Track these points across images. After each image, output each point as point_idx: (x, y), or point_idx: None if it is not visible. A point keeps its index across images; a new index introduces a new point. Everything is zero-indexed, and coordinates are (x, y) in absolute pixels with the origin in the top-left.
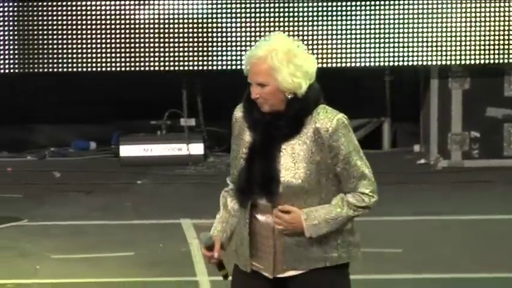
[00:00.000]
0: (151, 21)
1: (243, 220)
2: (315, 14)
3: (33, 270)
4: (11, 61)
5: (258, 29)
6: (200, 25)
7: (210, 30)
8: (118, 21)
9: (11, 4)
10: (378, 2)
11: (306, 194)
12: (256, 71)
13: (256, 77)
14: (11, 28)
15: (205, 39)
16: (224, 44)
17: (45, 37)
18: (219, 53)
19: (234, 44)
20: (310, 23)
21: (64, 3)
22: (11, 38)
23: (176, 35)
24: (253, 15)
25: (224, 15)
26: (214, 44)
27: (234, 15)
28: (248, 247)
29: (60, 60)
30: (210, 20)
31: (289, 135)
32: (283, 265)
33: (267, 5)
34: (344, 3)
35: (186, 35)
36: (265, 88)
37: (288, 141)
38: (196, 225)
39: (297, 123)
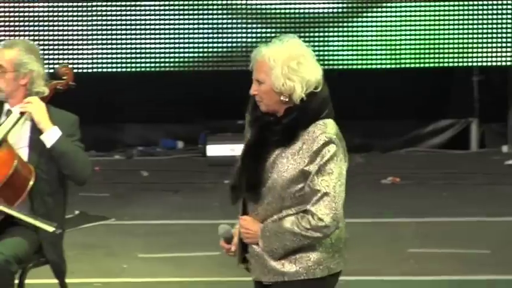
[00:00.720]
0: (239, 21)
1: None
2: (403, 14)
3: (120, 269)
4: (100, 60)
5: (348, 29)
6: (303, 24)
7: (311, 30)
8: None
9: (99, 4)
10: (465, 2)
11: (283, 201)
12: (257, 68)
13: (255, 74)
14: (98, 28)
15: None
16: (322, 43)
17: (135, 36)
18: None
19: (332, 43)
20: (398, 23)
21: (152, 2)
22: (99, 37)
23: (269, 35)
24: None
25: (326, 15)
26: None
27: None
28: (239, 245)
29: (149, 60)
30: (317, 20)
31: (280, 143)
32: (254, 272)
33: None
34: (432, 4)
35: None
36: (262, 86)
37: (279, 147)
38: None
39: (289, 133)
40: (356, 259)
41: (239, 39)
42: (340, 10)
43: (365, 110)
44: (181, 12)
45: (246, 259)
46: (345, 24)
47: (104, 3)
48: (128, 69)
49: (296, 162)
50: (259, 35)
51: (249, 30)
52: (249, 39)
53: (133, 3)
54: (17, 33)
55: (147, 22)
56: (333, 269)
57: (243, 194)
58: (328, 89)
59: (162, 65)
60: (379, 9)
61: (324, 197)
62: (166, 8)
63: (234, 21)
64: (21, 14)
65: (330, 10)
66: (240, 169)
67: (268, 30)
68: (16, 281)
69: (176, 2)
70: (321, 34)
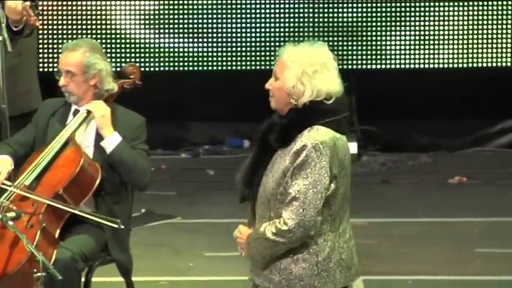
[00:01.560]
0: (306, 19)
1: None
2: (471, 13)
3: (186, 267)
4: (167, 59)
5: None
6: (356, 26)
7: (366, 29)
8: (278, 20)
9: (166, 2)
10: None
11: (268, 202)
12: (278, 64)
13: (275, 68)
14: (165, 26)
15: (358, 39)
16: (379, 43)
17: (202, 35)
18: (373, 52)
19: (391, 44)
20: (465, 22)
21: (219, 1)
22: (168, 36)
23: (331, 34)
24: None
25: (387, 18)
26: (369, 43)
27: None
28: None
29: (216, 59)
30: (369, 22)
31: (277, 142)
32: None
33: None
34: (495, 3)
35: (342, 34)
36: (276, 82)
37: (279, 150)
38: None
39: (284, 133)
40: (423, 259)
41: (306, 39)
42: (412, 8)
43: (432, 109)
44: (248, 11)
45: None
46: (413, 23)
47: (171, 2)
48: (196, 68)
49: (284, 164)
50: (325, 33)
51: (316, 30)
52: (316, 39)
53: (200, 1)
54: (84, 31)
55: (214, 21)
56: (316, 287)
57: (241, 189)
58: (344, 104)
59: (229, 63)
60: (450, 8)
61: (293, 201)
62: (233, 7)
63: (301, 20)
64: (88, 11)
65: (401, 9)
66: (245, 167)
67: (335, 30)
68: (82, 279)
69: (243, 1)
70: (388, 33)
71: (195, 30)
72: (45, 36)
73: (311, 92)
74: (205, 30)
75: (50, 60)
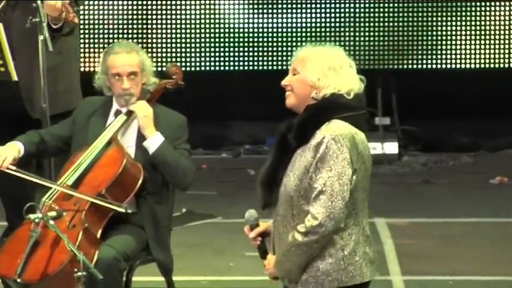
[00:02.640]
0: (347, 19)
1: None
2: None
3: (226, 267)
4: (208, 59)
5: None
6: (397, 26)
7: (407, 29)
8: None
9: (207, 2)
10: None
11: (291, 200)
12: (296, 61)
13: (292, 65)
14: (207, 26)
15: (399, 39)
16: (420, 43)
17: (244, 35)
18: (414, 53)
19: (432, 44)
20: (504, 22)
21: (261, 1)
22: (209, 36)
23: (372, 34)
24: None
25: (428, 18)
26: (409, 43)
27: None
28: (272, 245)
29: (257, 58)
30: (410, 23)
31: (296, 140)
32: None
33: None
34: None
35: (383, 34)
36: (296, 75)
37: (298, 148)
38: (390, 225)
39: (302, 129)
40: (463, 259)
41: (347, 38)
42: (453, 8)
43: (474, 109)
44: (289, 12)
45: (265, 252)
46: (454, 23)
47: (212, 2)
48: (237, 68)
49: (305, 160)
50: (366, 33)
51: (357, 30)
52: (357, 38)
53: (241, 1)
54: (125, 30)
55: (255, 21)
56: (344, 281)
57: (260, 193)
58: (362, 102)
59: (270, 63)
60: (492, 7)
61: (320, 195)
62: (275, 7)
63: (342, 20)
64: (130, 12)
65: (442, 9)
66: (265, 169)
67: (377, 30)
68: (123, 278)
69: (284, 1)
70: (429, 34)
71: (236, 30)
72: (89, 35)
73: (334, 86)
74: (246, 30)
75: (92, 59)
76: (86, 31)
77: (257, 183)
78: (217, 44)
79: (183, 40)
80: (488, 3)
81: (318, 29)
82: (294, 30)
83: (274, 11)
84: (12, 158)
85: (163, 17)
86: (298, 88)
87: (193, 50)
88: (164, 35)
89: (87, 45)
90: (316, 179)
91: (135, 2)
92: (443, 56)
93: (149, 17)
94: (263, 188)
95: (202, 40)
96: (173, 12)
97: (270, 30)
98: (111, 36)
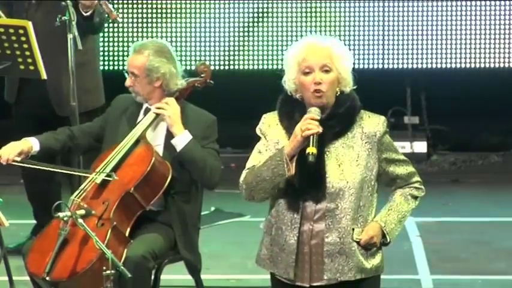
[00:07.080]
0: (376, 18)
1: (290, 226)
2: None
3: (254, 266)
4: (237, 57)
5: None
6: (426, 25)
7: (436, 28)
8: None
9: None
10: None
11: (350, 196)
12: (321, 56)
13: (321, 60)
14: (235, 24)
15: (428, 38)
16: (448, 42)
17: (282, 34)
18: (442, 51)
19: (460, 43)
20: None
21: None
22: (235, 34)
23: (401, 33)
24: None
25: (456, 16)
26: (438, 42)
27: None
28: (294, 254)
29: (271, 57)
30: (438, 21)
31: (340, 133)
32: (320, 273)
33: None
34: None
35: (412, 33)
36: (329, 74)
37: (332, 144)
38: (419, 224)
39: (349, 120)
40: (492, 259)
41: (375, 37)
42: (482, 6)
43: (503, 109)
44: (317, 12)
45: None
46: (483, 21)
47: (241, 1)
48: (266, 67)
49: (366, 148)
50: (395, 31)
51: (386, 29)
52: (385, 38)
53: (269, 1)
54: (154, 29)
55: (284, 20)
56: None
57: (303, 196)
58: None
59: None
60: None
61: (413, 169)
62: (299, 5)
63: (366, 19)
64: (159, 10)
65: (471, 7)
66: (297, 174)
67: (405, 29)
68: (152, 277)
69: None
70: (458, 32)
71: (265, 29)
72: (115, 34)
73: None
74: (275, 29)
75: (117, 58)
76: (115, 29)
77: (300, 181)
78: (246, 43)
79: (212, 39)
80: None
81: (347, 30)
82: (324, 29)
83: (303, 9)
84: (18, 151)
85: (192, 15)
86: (331, 90)
87: (222, 48)
88: (193, 34)
89: (115, 44)
90: (402, 161)
91: (165, 1)
92: (473, 55)
93: (178, 15)
94: (311, 190)
95: (231, 38)
96: (202, 10)
97: (298, 29)
98: (139, 35)
